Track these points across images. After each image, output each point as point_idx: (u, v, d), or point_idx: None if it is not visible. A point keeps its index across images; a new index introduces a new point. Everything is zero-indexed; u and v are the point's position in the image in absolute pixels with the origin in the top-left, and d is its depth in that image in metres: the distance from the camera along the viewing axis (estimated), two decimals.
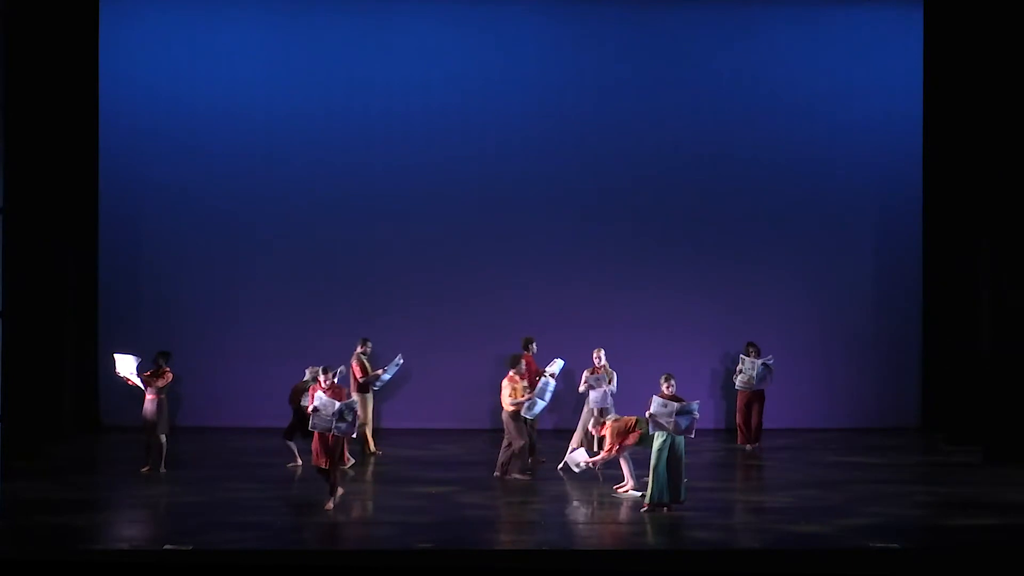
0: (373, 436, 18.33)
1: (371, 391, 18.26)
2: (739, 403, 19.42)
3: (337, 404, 14.23)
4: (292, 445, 16.89)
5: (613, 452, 15.06)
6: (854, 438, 19.96)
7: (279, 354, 20.35)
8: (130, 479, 16.14)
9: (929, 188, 20.81)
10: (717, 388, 20.72)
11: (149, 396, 16.55)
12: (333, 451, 14.40)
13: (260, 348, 20.47)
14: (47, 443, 17.96)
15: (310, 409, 14.44)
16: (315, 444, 14.47)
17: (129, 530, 13.72)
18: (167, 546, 12.56)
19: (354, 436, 14.47)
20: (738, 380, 19.42)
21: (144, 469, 16.46)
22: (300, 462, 16.72)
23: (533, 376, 17.41)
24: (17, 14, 16.97)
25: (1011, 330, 17.82)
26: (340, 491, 14.54)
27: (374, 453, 18.17)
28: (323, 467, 14.45)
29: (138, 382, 16.49)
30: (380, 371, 18.15)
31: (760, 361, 19.15)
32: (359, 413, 15.84)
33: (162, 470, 16.43)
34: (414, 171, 20.74)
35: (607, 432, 15.07)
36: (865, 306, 21.23)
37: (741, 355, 19.48)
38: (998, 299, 18.00)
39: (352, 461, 16.93)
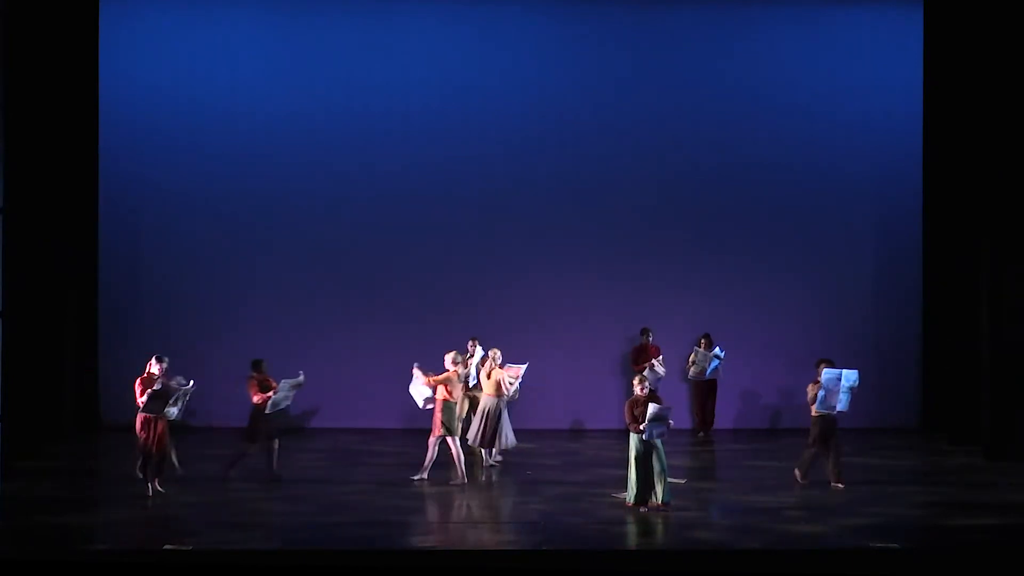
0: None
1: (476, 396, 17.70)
2: (692, 392, 20.15)
3: (183, 387, 14.44)
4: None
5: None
6: (854, 438, 19.89)
7: (279, 354, 20.28)
8: (130, 479, 16.11)
9: (929, 188, 20.79)
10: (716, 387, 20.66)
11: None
12: (163, 436, 14.59)
13: (260, 348, 20.39)
14: (47, 443, 17.96)
15: (152, 390, 14.59)
16: (138, 427, 14.66)
17: (129, 530, 13.71)
18: (167, 546, 12.57)
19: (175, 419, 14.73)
20: (691, 371, 20.03)
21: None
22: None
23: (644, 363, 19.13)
24: (17, 14, 16.98)
25: (1011, 330, 17.82)
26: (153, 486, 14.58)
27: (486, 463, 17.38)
28: (150, 452, 14.60)
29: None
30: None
31: (711, 353, 19.48)
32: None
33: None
34: (414, 171, 20.74)
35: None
36: (865, 306, 21.22)
37: (695, 347, 20.03)
38: (998, 299, 17.99)
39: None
